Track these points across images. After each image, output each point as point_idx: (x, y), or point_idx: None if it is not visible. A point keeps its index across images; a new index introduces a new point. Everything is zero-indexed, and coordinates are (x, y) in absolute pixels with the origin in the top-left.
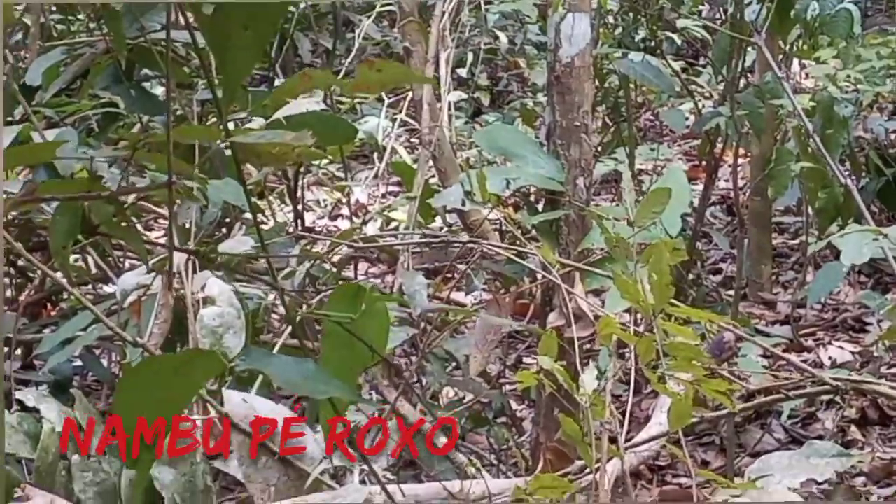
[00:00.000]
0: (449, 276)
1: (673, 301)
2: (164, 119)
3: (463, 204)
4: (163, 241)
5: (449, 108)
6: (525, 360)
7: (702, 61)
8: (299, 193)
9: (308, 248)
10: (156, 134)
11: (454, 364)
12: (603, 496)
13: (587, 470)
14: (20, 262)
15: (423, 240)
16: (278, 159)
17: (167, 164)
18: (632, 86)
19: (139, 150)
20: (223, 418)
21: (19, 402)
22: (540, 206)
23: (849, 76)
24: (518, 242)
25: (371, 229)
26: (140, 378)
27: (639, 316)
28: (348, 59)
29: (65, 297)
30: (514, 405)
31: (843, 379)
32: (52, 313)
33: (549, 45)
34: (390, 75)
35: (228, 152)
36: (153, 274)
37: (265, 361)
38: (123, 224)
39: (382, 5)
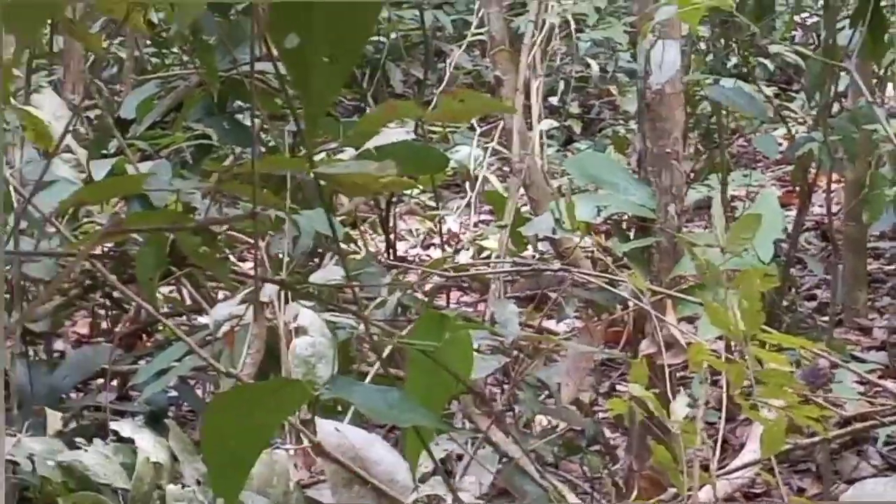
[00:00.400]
0: (541, 304)
1: (765, 327)
2: (254, 150)
3: (554, 232)
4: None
5: (540, 137)
6: (618, 387)
7: (794, 87)
8: (391, 223)
9: (399, 277)
10: (244, 165)
11: (547, 392)
12: None
13: (679, 498)
14: (115, 294)
15: (514, 268)
16: (363, 190)
17: (252, 195)
18: (724, 112)
19: (225, 181)
20: (316, 446)
21: (114, 432)
22: (632, 234)
23: None
24: (609, 270)
25: (463, 258)
26: (227, 406)
27: (732, 343)
28: (439, 89)
29: (160, 328)
30: (607, 433)
31: None
32: (148, 344)
33: (639, 73)
34: (472, 105)
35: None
36: (245, 304)
37: (350, 390)
38: (211, 255)
39: (473, 34)
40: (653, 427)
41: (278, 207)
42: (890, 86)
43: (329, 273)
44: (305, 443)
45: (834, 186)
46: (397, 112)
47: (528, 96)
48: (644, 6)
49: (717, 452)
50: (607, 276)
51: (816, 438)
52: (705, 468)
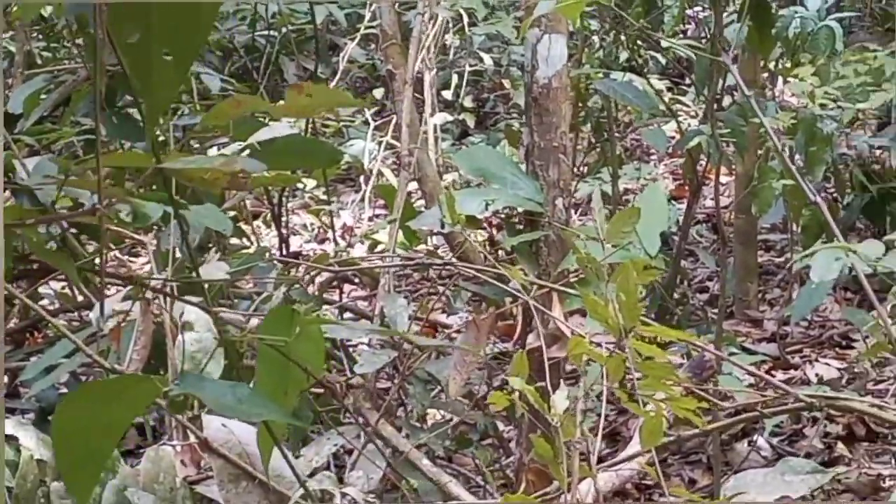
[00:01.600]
0: (433, 297)
1: (646, 320)
2: (144, 145)
3: (442, 226)
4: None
5: (434, 131)
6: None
7: (687, 81)
8: (284, 218)
9: (291, 272)
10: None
11: (439, 387)
12: None
13: (561, 490)
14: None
15: (400, 263)
16: (211, 184)
17: (97, 188)
18: (616, 106)
19: (81, 177)
20: (203, 443)
21: None
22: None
23: (826, 93)
24: (496, 264)
25: (358, 252)
26: (78, 404)
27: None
28: (333, 83)
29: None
30: (501, 426)
31: (817, 396)
32: (39, 340)
33: (525, 67)
34: (320, 100)
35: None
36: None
37: (199, 386)
38: (60, 251)
39: (366, 28)
40: (536, 421)
41: (162, 201)
42: (781, 79)
43: (212, 268)
44: (192, 439)
45: (725, 179)
46: (243, 107)
47: (421, 90)
48: (530, 0)
49: (599, 444)
50: (490, 269)
51: (696, 430)
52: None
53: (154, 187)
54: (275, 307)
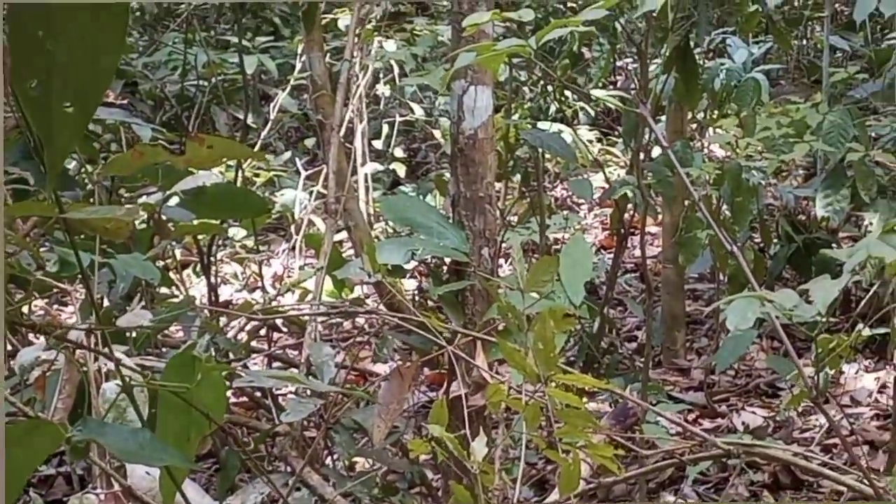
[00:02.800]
0: (361, 346)
1: (566, 368)
2: (74, 194)
3: (370, 276)
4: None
5: (365, 180)
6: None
7: (617, 131)
8: (213, 267)
9: (217, 321)
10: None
11: (366, 435)
12: None
13: None
14: None
15: (323, 311)
16: (114, 234)
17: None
18: (546, 156)
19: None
20: (126, 490)
21: None
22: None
23: (750, 144)
24: (417, 312)
25: (290, 301)
26: None
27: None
28: (264, 132)
29: None
30: (430, 475)
31: (734, 443)
32: None
33: (451, 118)
34: (220, 150)
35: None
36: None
37: (100, 432)
38: None
39: (297, 78)
40: (458, 469)
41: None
42: (710, 130)
43: (136, 317)
44: (116, 487)
45: (654, 229)
46: (145, 158)
47: (353, 140)
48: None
49: (520, 491)
50: (412, 318)
51: (618, 478)
52: None
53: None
54: (178, 353)
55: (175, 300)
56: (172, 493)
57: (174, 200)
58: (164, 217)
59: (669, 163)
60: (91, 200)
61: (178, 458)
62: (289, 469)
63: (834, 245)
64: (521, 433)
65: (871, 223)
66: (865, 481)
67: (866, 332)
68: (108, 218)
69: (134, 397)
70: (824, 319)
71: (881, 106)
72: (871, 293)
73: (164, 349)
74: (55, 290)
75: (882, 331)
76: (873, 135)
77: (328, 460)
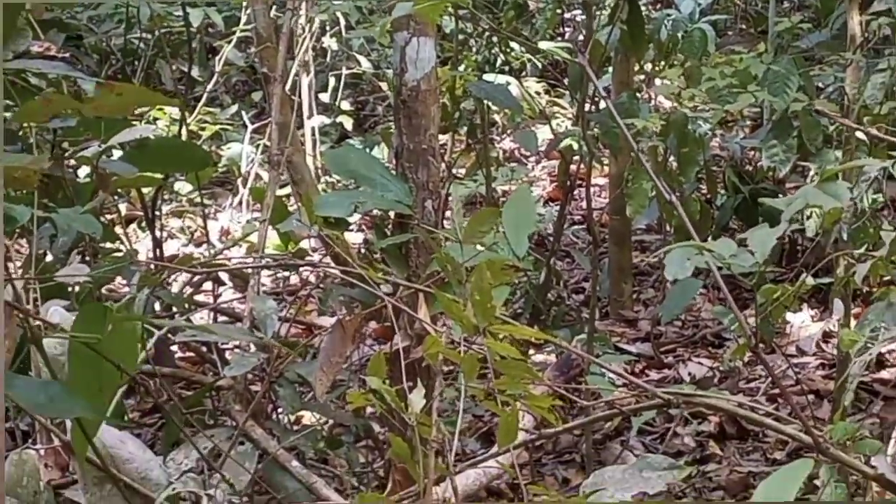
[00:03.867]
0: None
1: (506, 318)
2: (15, 148)
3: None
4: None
5: (312, 133)
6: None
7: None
8: (158, 221)
9: (157, 275)
10: None
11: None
12: None
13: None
14: None
15: (263, 265)
16: (22, 183)
17: None
18: (495, 109)
19: None
20: (66, 446)
21: None
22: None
23: (694, 95)
24: (363, 265)
25: (237, 255)
26: None
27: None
28: (209, 85)
29: None
30: (377, 428)
31: (674, 393)
32: None
33: (394, 70)
34: (131, 97)
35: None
36: None
37: (11, 384)
38: None
39: (242, 31)
40: (396, 421)
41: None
42: (658, 81)
43: (74, 271)
44: (56, 442)
45: (602, 181)
46: (53, 105)
47: (299, 93)
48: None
49: (457, 443)
50: (353, 270)
51: (559, 428)
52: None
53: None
54: (88, 304)
55: (119, 255)
56: (84, 445)
57: (120, 155)
58: (105, 170)
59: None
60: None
61: (90, 410)
62: (233, 423)
63: (780, 195)
64: (460, 385)
65: (816, 173)
66: (805, 430)
67: (810, 281)
68: (15, 167)
69: (43, 348)
70: (765, 269)
71: (826, 56)
72: (815, 243)
73: (108, 304)
74: None
75: (826, 280)
76: (819, 85)
77: (274, 414)
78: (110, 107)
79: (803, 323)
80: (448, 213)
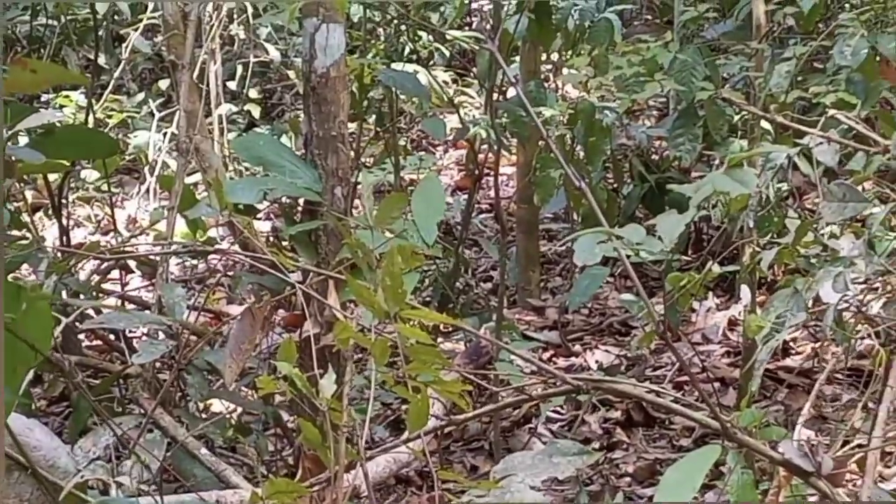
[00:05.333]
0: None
1: (415, 304)
2: None
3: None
4: None
5: (220, 121)
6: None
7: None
8: (64, 209)
9: (64, 262)
10: None
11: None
12: (340, 498)
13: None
14: None
15: (170, 251)
16: None
17: None
18: (403, 97)
19: None
20: None
21: None
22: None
23: (601, 84)
24: (273, 253)
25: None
26: None
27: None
28: (116, 73)
29: None
30: (286, 416)
31: (582, 378)
32: None
33: (303, 56)
34: (45, 76)
35: None
36: None
37: None
38: None
39: (149, 18)
40: (307, 408)
41: None
42: (565, 70)
43: None
44: None
45: (511, 170)
46: None
47: (207, 81)
48: None
49: (369, 430)
50: (261, 257)
51: (469, 414)
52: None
53: None
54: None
55: (26, 242)
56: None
57: (26, 142)
58: (12, 157)
59: (522, 103)
60: None
61: (4, 391)
62: (141, 411)
63: (686, 184)
64: (370, 371)
65: (721, 162)
66: (713, 416)
67: (716, 269)
68: None
69: None
70: (672, 256)
71: (732, 45)
72: (721, 231)
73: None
74: None
75: (732, 268)
76: (725, 75)
77: (183, 402)
78: (24, 84)
79: (709, 311)
80: (357, 201)
